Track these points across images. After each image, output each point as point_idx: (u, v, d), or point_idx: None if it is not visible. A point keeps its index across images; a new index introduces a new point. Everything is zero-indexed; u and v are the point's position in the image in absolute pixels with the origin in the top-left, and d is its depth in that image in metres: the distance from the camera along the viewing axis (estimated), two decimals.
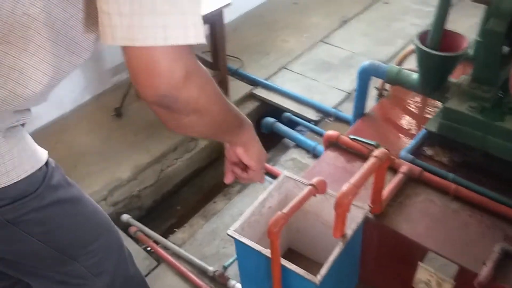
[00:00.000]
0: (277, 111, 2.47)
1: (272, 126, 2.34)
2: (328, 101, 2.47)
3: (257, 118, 2.51)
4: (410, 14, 3.18)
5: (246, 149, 0.96)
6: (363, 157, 1.62)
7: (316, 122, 2.36)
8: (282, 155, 2.22)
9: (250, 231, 1.36)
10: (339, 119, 2.34)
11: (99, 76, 2.55)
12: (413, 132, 1.75)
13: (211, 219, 1.92)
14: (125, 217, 1.95)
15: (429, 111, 1.82)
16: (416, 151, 1.64)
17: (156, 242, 1.83)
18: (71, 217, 0.96)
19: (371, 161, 1.25)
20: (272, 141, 2.39)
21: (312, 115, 2.40)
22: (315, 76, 2.68)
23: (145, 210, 2.14)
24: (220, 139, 0.93)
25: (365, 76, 1.75)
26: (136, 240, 1.86)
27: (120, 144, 2.27)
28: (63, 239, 0.97)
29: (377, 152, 1.26)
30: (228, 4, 2.25)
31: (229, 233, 1.30)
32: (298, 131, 2.36)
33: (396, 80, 1.66)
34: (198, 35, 0.65)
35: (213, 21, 2.27)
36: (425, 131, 1.62)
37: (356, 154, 1.65)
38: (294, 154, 2.19)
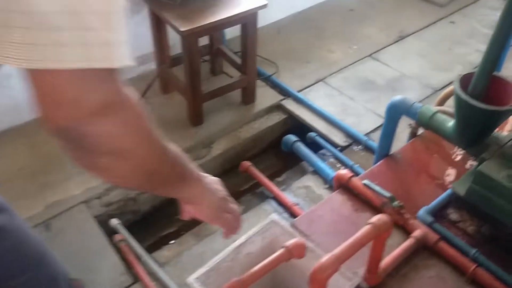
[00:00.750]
0: (303, 129, 2.26)
1: (292, 146, 2.13)
2: (362, 126, 2.22)
3: (281, 132, 2.30)
4: (476, 38, 2.82)
5: (194, 206, 0.80)
6: (374, 209, 1.39)
7: (342, 148, 2.12)
8: (296, 180, 2.00)
9: (219, 280, 1.18)
10: (368, 148, 2.08)
11: None
12: (443, 185, 1.49)
13: (203, 241, 1.76)
14: (114, 222, 1.82)
15: (468, 165, 1.54)
16: (439, 213, 1.38)
17: (138, 257, 1.69)
18: None
19: (366, 229, 1.02)
20: (290, 161, 2.19)
21: (340, 139, 2.16)
22: (354, 95, 2.42)
23: (141, 215, 2.01)
24: (157, 193, 0.76)
25: (394, 113, 1.50)
26: (118, 250, 1.73)
27: None
28: None
29: (375, 219, 1.03)
30: (264, 6, 2.05)
31: (189, 281, 1.12)
32: (321, 154, 2.13)
33: (428, 125, 1.40)
34: (121, 57, 0.53)
35: (246, 22, 2.08)
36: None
37: (368, 203, 1.42)
38: (310, 181, 1.97)
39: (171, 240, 1.84)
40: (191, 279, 1.12)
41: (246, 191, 2.04)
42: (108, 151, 0.57)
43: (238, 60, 2.26)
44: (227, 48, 2.40)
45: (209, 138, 2.19)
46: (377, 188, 1.38)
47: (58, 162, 2.05)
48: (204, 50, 2.40)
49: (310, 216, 1.39)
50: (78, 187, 1.94)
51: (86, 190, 1.92)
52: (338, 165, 2.04)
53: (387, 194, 1.35)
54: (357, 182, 1.44)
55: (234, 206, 0.92)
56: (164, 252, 1.75)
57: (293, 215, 1.82)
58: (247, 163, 2.04)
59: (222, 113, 2.29)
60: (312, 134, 2.19)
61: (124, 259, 1.70)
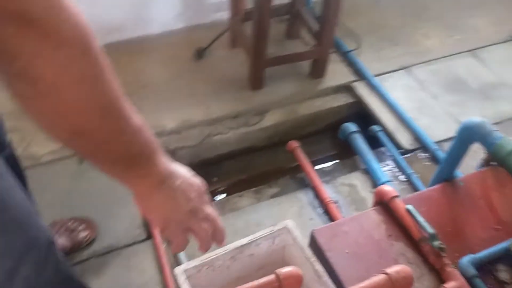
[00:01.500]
0: (368, 118, 2.03)
1: (348, 136, 1.92)
2: (436, 131, 1.95)
3: (343, 116, 2.09)
4: None
5: (141, 200, 0.65)
6: (411, 241, 1.20)
7: (406, 152, 1.88)
8: (343, 175, 1.82)
9: (210, 277, 1.07)
10: (435, 159, 1.83)
11: (198, 7, 2.31)
12: (502, 234, 1.25)
13: (224, 216, 1.66)
14: None
15: None
16: (486, 266, 1.16)
17: None
18: None
19: (379, 279, 0.85)
20: (345, 151, 1.99)
21: (406, 140, 1.92)
22: (437, 94, 2.13)
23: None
24: (94, 163, 0.58)
25: (466, 137, 1.25)
26: None
27: (181, 89, 2.06)
28: None
29: (394, 270, 0.85)
30: None
31: (176, 272, 1.02)
32: (379, 153, 1.91)
33: (504, 162, 1.14)
34: None
35: None
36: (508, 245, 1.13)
37: (405, 231, 1.22)
38: (357, 180, 1.78)
39: None
40: (179, 269, 1.02)
41: (286, 172, 1.89)
42: (27, 77, 0.46)
43: (316, 27, 2.04)
44: (309, 11, 2.18)
45: (264, 105, 2.04)
46: (420, 219, 1.17)
47: (156, 90, 2.02)
48: (283, 9, 2.20)
49: (333, 229, 1.23)
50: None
51: None
52: (395, 169, 1.81)
53: (430, 230, 1.14)
54: (400, 204, 1.24)
55: (211, 212, 0.71)
56: None
57: (327, 212, 1.65)
58: (294, 144, 1.88)
59: (285, 82, 2.11)
60: (375, 127, 1.96)
61: None
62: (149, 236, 1.57)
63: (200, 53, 2.19)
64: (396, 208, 1.24)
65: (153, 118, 1.93)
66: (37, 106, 0.49)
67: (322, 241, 1.20)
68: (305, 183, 1.79)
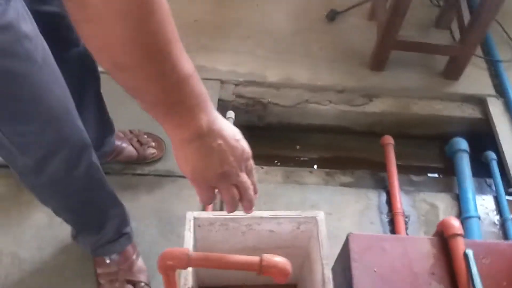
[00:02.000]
0: (487, 141, 1.74)
1: (454, 153, 1.67)
2: None
3: (461, 130, 1.82)
4: None
5: (175, 148, 0.62)
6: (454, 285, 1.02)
7: None
8: (429, 191, 1.60)
9: (223, 235, 1.03)
10: None
11: None
12: None
13: (286, 185, 1.58)
14: (229, 113, 1.75)
15: None
16: None
17: None
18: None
19: None
20: (443, 168, 1.75)
21: None
22: None
23: (261, 125, 1.89)
24: (133, 95, 0.56)
25: None
26: None
27: (298, 46, 1.97)
28: None
29: None
30: None
31: (186, 216, 0.99)
32: (482, 182, 1.64)
33: None
34: None
35: None
36: None
37: (452, 276, 1.04)
38: (442, 202, 1.56)
39: (265, 164, 1.71)
40: (190, 214, 0.99)
41: (368, 166, 1.73)
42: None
43: (467, 20, 1.77)
44: (467, 2, 1.89)
45: (376, 89, 1.86)
46: (475, 270, 0.98)
47: (227, 31, 2.02)
48: None
49: (372, 241, 1.08)
50: (226, 64, 1.89)
51: (231, 71, 1.87)
52: (492, 208, 1.55)
53: (479, 285, 0.95)
54: (460, 245, 1.04)
55: (245, 180, 0.68)
56: None
57: (392, 223, 1.48)
58: (389, 139, 1.70)
59: (409, 72, 1.90)
60: (491, 154, 1.68)
61: None
62: None
63: (332, 16, 2.06)
64: (454, 247, 1.05)
65: (258, 66, 1.89)
66: (85, 30, 0.50)
67: (354, 248, 1.07)
68: (383, 184, 1.62)
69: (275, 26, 2.04)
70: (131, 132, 1.60)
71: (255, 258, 0.77)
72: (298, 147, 1.89)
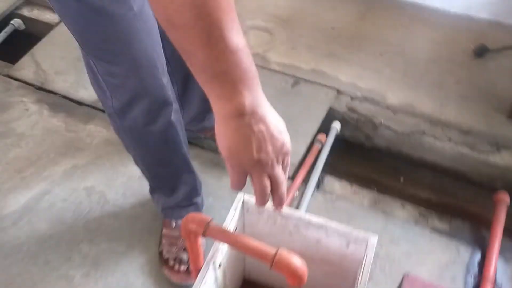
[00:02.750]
0: None
1: None
2: None
3: None
4: None
5: (216, 122, 0.61)
6: None
7: None
8: None
9: (270, 228, 0.99)
10: None
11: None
12: None
13: (370, 210, 1.48)
14: (335, 124, 1.69)
15: None
16: None
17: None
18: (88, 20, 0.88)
19: None
20: None
21: None
22: None
23: (368, 145, 1.79)
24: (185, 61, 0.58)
25: None
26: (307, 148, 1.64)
27: (432, 73, 1.82)
28: (76, 31, 0.93)
29: None
30: None
31: (237, 196, 0.98)
32: None
33: None
34: None
35: None
36: None
37: None
38: None
39: (356, 184, 1.61)
40: (240, 195, 0.98)
41: (470, 218, 1.52)
42: None
43: None
44: None
45: (508, 140, 1.63)
46: None
47: (360, 44, 1.96)
48: None
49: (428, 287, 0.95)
50: (349, 75, 1.84)
51: (351, 83, 1.81)
52: None
53: None
54: None
55: (280, 174, 0.65)
56: (336, 185, 1.56)
57: None
58: (504, 196, 1.47)
59: None
60: None
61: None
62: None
63: (481, 52, 1.87)
64: None
65: (381, 85, 1.80)
66: None
67: (406, 285, 0.95)
68: (480, 243, 1.42)
69: (412, 49, 1.93)
70: None
71: (270, 249, 0.73)
72: (401, 179, 1.75)
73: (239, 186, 0.66)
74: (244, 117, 0.58)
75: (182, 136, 1.18)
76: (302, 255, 1.04)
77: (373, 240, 0.92)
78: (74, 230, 1.41)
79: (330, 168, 1.64)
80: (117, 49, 0.92)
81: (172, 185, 1.28)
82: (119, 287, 1.29)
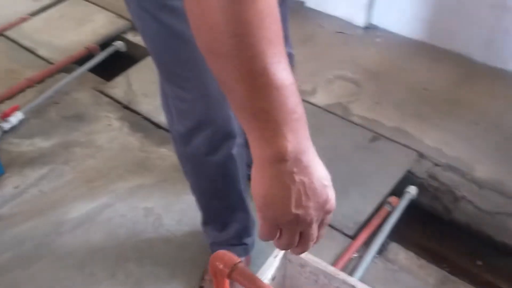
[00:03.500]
0: None
1: None
2: None
3: None
4: None
5: (253, 167, 0.55)
6: None
7: None
8: None
9: (310, 285, 0.91)
10: None
11: None
12: None
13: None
14: (411, 189, 1.56)
15: None
16: None
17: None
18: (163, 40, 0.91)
19: None
20: None
21: None
22: None
23: (445, 218, 1.62)
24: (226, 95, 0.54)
25: None
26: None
27: None
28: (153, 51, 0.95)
29: None
30: None
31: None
32: None
33: None
34: None
35: None
36: None
37: None
38: None
39: (425, 259, 1.45)
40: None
41: None
42: None
43: None
44: None
45: None
46: None
47: (453, 110, 1.83)
48: None
49: None
50: (435, 140, 1.71)
51: (436, 148, 1.68)
52: None
53: None
54: None
55: (314, 233, 0.58)
56: (401, 255, 1.42)
57: None
58: None
59: None
60: None
61: None
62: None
63: None
64: None
65: (470, 155, 1.65)
66: (186, 4, 0.50)
67: None
68: None
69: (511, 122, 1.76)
70: None
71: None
72: (479, 263, 1.56)
73: (268, 238, 0.59)
74: (285, 164, 0.51)
75: (242, 172, 1.15)
76: None
77: None
78: (124, 247, 1.42)
79: (398, 236, 1.50)
80: (189, 74, 0.93)
81: (224, 221, 1.25)
82: None
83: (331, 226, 1.46)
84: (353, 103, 1.87)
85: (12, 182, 1.61)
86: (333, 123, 1.80)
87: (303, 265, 0.91)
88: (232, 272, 0.69)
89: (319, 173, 0.54)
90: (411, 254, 1.44)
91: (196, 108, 0.97)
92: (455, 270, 1.47)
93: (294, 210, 0.53)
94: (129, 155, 1.71)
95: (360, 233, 1.44)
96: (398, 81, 1.96)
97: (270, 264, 0.88)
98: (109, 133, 1.80)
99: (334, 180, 1.65)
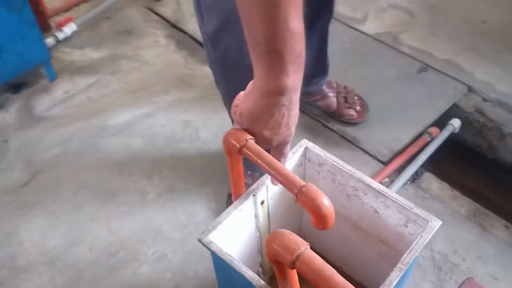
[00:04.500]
0: None
1: None
2: None
3: None
4: None
5: (249, 93, 0.67)
6: None
7: None
8: None
9: (329, 185, 0.91)
10: None
11: None
12: None
13: None
14: (455, 121, 1.50)
15: None
16: None
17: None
18: None
19: None
20: None
21: None
22: None
23: (488, 156, 1.55)
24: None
25: None
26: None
27: None
28: None
29: None
30: None
31: (301, 142, 0.92)
32: None
33: None
34: None
35: None
36: None
37: None
38: None
39: (460, 191, 1.41)
40: (306, 141, 0.91)
41: None
42: None
43: None
44: None
45: None
46: None
47: None
48: None
49: None
50: (487, 74, 1.61)
51: (487, 82, 1.59)
52: None
53: None
54: None
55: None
56: (434, 184, 1.39)
57: None
58: None
59: None
60: None
61: None
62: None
63: None
64: None
65: None
66: None
67: None
68: None
69: None
70: (344, 87, 1.56)
71: (301, 181, 0.66)
72: None
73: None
74: (280, 97, 0.62)
75: None
76: (357, 225, 0.95)
77: (435, 224, 0.78)
78: (161, 153, 1.48)
79: (434, 167, 1.47)
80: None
81: None
82: (184, 214, 1.32)
83: (365, 151, 1.45)
84: (405, 33, 1.79)
85: (63, 87, 1.70)
86: (380, 52, 1.74)
87: (322, 163, 0.91)
88: (243, 147, 0.71)
89: (296, 112, 0.67)
90: (445, 185, 1.40)
91: (221, 6, 0.97)
92: (490, 205, 1.42)
93: (265, 131, 0.67)
94: (173, 71, 1.75)
95: (393, 159, 1.42)
96: (456, 13, 1.85)
97: (288, 158, 0.88)
98: (156, 49, 1.84)
99: (375, 107, 1.68)
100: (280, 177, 0.68)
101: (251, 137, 0.72)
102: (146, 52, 1.82)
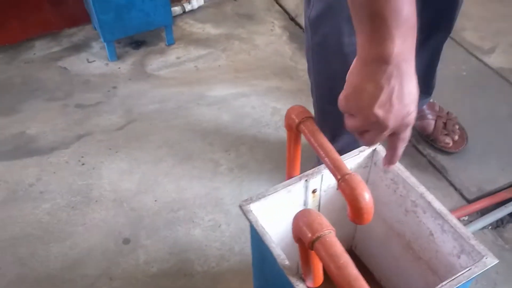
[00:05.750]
0: None
1: None
2: None
3: None
4: None
5: (353, 66, 0.59)
6: None
7: None
8: None
9: (376, 184, 0.87)
10: None
11: None
12: None
13: None
14: None
15: None
16: None
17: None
18: None
19: None
20: None
21: None
22: None
23: None
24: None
25: None
26: None
27: None
28: None
29: None
30: None
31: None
32: None
33: None
34: None
35: None
36: None
37: None
38: None
39: None
40: (377, 145, 0.87)
41: None
42: None
43: None
44: None
45: None
46: None
47: None
48: None
49: None
50: None
51: None
52: None
53: None
54: None
55: (381, 138, 0.62)
56: None
57: None
58: None
59: None
60: None
61: None
62: None
63: None
64: None
65: None
66: None
67: None
68: None
69: None
70: (447, 113, 1.46)
71: (346, 168, 0.64)
72: None
73: (350, 128, 0.64)
74: (386, 66, 0.54)
75: None
76: (410, 245, 0.89)
77: (489, 261, 0.71)
78: (244, 132, 1.52)
79: None
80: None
81: (334, 133, 1.23)
82: (247, 193, 1.34)
83: (451, 183, 1.35)
84: None
85: (177, 53, 1.82)
86: (499, 88, 1.61)
87: (387, 170, 0.87)
88: (301, 123, 0.70)
89: (411, 87, 0.57)
90: None
91: None
92: None
93: (376, 110, 0.56)
94: (278, 60, 1.78)
95: (479, 200, 1.30)
96: None
97: (351, 155, 0.86)
98: (269, 37, 1.89)
99: (476, 142, 1.57)
100: (328, 160, 0.66)
101: (312, 115, 0.71)
102: (259, 38, 1.88)
